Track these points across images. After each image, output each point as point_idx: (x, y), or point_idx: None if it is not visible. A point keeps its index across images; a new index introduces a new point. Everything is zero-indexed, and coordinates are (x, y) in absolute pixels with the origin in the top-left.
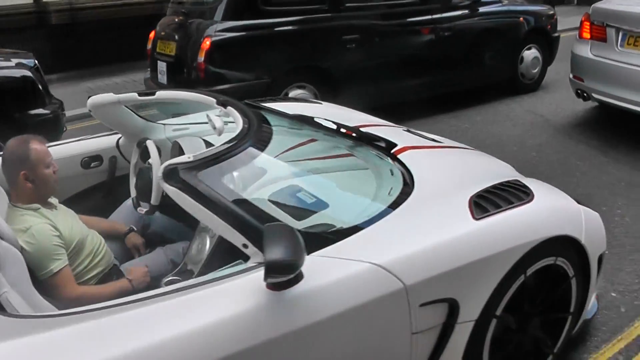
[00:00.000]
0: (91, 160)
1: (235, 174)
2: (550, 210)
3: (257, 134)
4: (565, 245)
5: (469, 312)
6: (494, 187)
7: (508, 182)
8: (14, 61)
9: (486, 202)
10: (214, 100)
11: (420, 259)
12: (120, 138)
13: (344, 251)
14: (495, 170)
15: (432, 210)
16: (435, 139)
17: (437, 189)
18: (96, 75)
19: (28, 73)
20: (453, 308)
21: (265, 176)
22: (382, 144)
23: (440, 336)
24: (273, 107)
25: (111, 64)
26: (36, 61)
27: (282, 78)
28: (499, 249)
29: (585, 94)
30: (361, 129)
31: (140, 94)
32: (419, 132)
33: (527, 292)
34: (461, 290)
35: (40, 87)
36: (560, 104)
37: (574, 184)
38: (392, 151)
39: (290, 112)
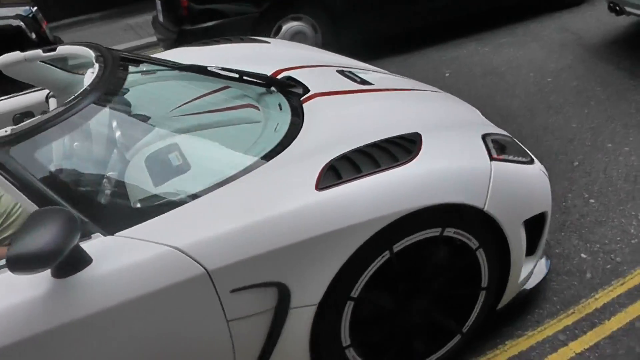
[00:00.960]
0: (23, 116)
1: (70, 142)
2: (424, 177)
3: (107, 93)
4: (457, 215)
5: (306, 297)
6: (373, 144)
7: (396, 137)
8: (6, 11)
9: (347, 166)
10: (94, 55)
11: (230, 241)
12: (49, 93)
13: (150, 230)
14: (428, 121)
15: (280, 177)
16: (383, 78)
17: (311, 148)
18: (136, 12)
19: (19, 23)
20: (283, 293)
21: (138, 136)
22: (295, 91)
23: (274, 322)
24: (166, 59)
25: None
26: (33, 9)
27: (273, 10)
28: (340, 226)
29: (617, 8)
30: (281, 75)
31: (44, 50)
32: (362, 70)
33: (404, 269)
34: (289, 274)
35: (33, 36)
36: (601, 18)
37: (583, 115)
38: (302, 99)
39: (230, 54)
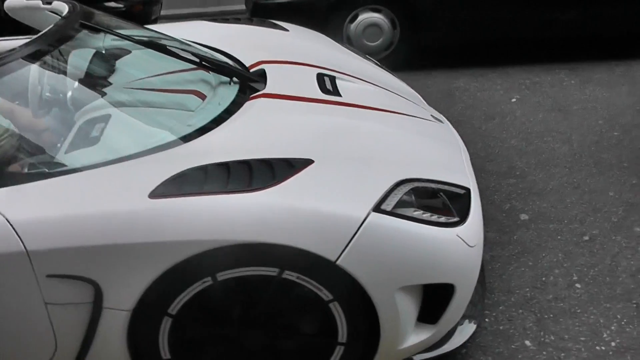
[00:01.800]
0: None
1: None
2: (267, 210)
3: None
4: (302, 260)
5: (118, 300)
6: (246, 161)
7: (281, 159)
8: None
9: (199, 178)
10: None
11: (59, 226)
12: None
13: (3, 195)
14: (354, 149)
15: (134, 174)
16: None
17: (203, 150)
18: None
19: None
20: (96, 290)
21: (81, 100)
22: (255, 86)
23: (91, 318)
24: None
25: None
26: None
27: None
28: (159, 239)
29: None
30: (259, 67)
31: (43, 2)
32: (352, 79)
33: (234, 301)
34: (102, 273)
35: None
36: None
37: (627, 186)
38: (252, 96)
39: (238, 35)
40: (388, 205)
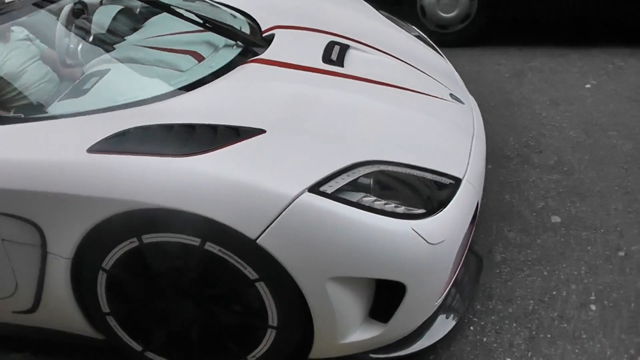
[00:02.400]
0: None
1: None
2: (191, 177)
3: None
4: (223, 234)
5: (59, 247)
6: (197, 125)
7: (232, 127)
8: None
9: (139, 137)
10: None
11: (6, 168)
12: None
13: None
14: (327, 124)
15: (92, 127)
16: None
17: (170, 111)
18: None
19: None
20: (40, 234)
21: (90, 54)
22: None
23: (41, 260)
24: None
25: None
26: None
27: None
28: (90, 193)
29: None
30: (272, 32)
31: None
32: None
33: (161, 265)
34: (43, 218)
35: None
36: None
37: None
38: (248, 60)
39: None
40: (330, 187)
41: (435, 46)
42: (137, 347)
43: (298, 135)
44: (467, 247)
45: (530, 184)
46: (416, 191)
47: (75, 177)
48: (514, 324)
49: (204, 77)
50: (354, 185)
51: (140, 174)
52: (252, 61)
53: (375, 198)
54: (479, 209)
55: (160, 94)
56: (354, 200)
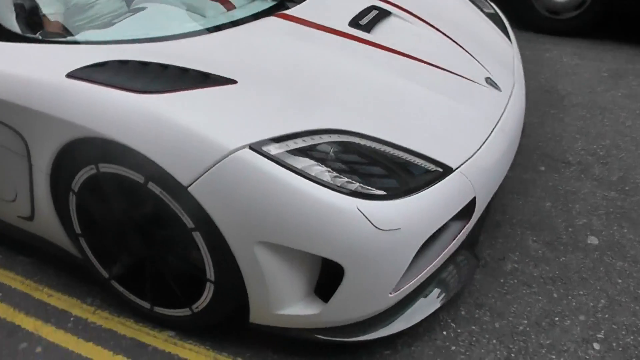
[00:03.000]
0: None
1: None
2: (145, 114)
3: None
4: (160, 174)
5: (39, 160)
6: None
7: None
8: None
9: (120, 71)
10: None
11: (7, 79)
12: None
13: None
14: (313, 85)
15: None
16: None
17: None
18: None
19: None
20: (25, 145)
21: None
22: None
23: (29, 171)
24: None
25: None
26: None
27: None
28: (58, 115)
29: None
30: None
31: None
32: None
33: (112, 196)
34: (25, 130)
35: None
36: None
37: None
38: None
39: None
40: (277, 149)
41: (507, 27)
42: (104, 274)
43: (272, 92)
44: (460, 245)
45: (580, 197)
46: (386, 172)
47: (49, 97)
48: (494, 341)
49: (219, 25)
50: (311, 152)
51: (101, 104)
52: (276, 15)
53: (327, 169)
54: (483, 209)
55: (168, 35)
56: (299, 166)
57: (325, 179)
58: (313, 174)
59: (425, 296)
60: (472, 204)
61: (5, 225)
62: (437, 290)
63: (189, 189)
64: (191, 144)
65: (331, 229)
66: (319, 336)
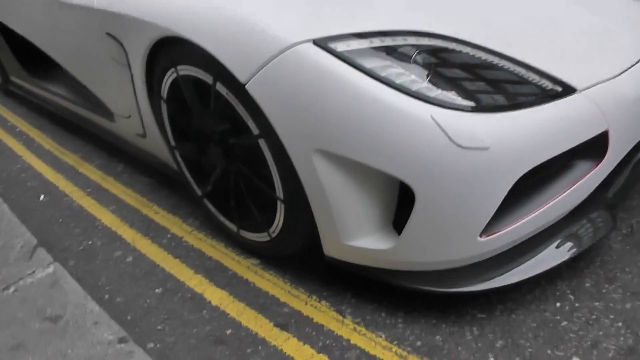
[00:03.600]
0: None
1: None
2: (203, 9)
3: None
4: (225, 73)
5: (135, 67)
6: None
7: None
8: None
9: None
10: None
11: None
12: None
13: None
14: None
15: None
16: None
17: None
18: None
19: None
20: (125, 52)
21: None
22: None
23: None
24: None
25: None
26: None
27: None
28: (140, 16)
29: None
30: None
31: None
32: None
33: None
34: (122, 36)
35: None
36: None
37: None
38: None
39: None
40: (348, 46)
41: None
42: (198, 191)
43: None
44: (594, 203)
45: None
46: (484, 84)
47: (136, 1)
48: (619, 324)
49: None
50: (387, 53)
51: (174, 2)
52: None
53: (403, 72)
54: (624, 154)
55: None
56: (368, 66)
57: (397, 81)
58: (383, 74)
59: (549, 247)
60: (603, 140)
61: (129, 145)
62: (567, 244)
63: (247, 86)
64: (251, 36)
65: (397, 140)
66: (402, 282)
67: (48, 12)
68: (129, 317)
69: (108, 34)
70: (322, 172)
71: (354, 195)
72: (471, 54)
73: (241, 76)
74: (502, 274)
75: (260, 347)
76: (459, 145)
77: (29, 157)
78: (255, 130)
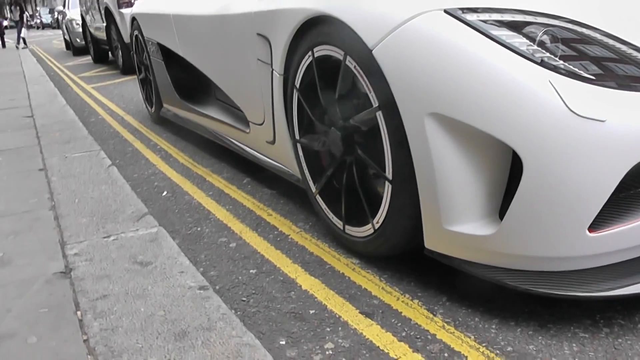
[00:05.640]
0: None
1: None
2: None
3: None
4: (355, 42)
5: (276, 60)
6: None
7: None
8: None
9: None
10: None
11: None
12: None
13: None
14: None
15: None
16: None
17: None
18: None
19: None
20: (269, 48)
21: None
22: None
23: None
24: None
25: None
26: None
27: None
28: (286, 6)
29: None
30: None
31: None
32: None
33: (323, 85)
34: (271, 33)
35: None
36: None
37: None
38: None
39: None
40: (475, 17)
41: None
42: (313, 188)
43: None
44: None
45: None
46: (610, 66)
47: None
48: None
49: None
50: (516, 27)
51: None
52: None
53: (529, 43)
54: None
55: None
56: (494, 33)
57: (520, 48)
58: (508, 41)
59: None
60: None
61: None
62: None
63: (374, 51)
64: (384, 3)
65: (511, 103)
66: (506, 280)
67: (208, 27)
68: (217, 287)
69: (258, 34)
70: (433, 138)
71: (461, 170)
72: (602, 40)
73: (369, 40)
74: (630, 285)
75: (340, 328)
76: (574, 113)
77: (162, 165)
78: (375, 102)
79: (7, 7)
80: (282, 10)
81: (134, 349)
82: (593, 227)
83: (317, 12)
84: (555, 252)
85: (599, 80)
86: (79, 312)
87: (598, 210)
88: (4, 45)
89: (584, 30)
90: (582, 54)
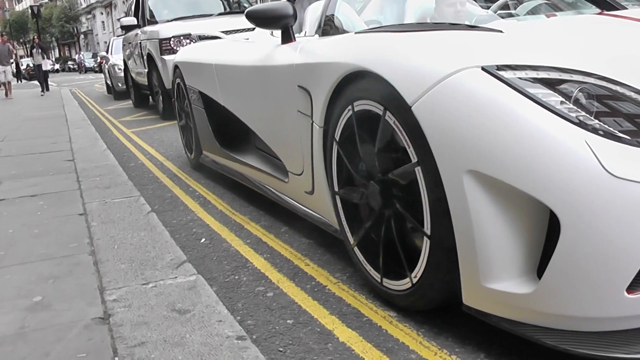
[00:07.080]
0: None
1: None
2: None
3: None
4: (395, 100)
5: (316, 113)
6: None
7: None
8: None
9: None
10: None
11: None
12: None
13: None
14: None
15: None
16: None
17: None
18: None
19: None
20: (311, 101)
21: None
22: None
23: (310, 130)
24: None
25: None
26: None
27: None
28: (327, 59)
29: None
30: None
31: None
32: None
33: (362, 138)
34: (312, 85)
35: None
36: None
37: None
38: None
39: None
40: (515, 74)
41: None
42: (351, 240)
43: (538, 38)
44: None
45: None
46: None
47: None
48: None
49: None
50: (551, 85)
51: (367, 41)
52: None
53: (563, 100)
54: None
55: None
56: (531, 91)
57: (556, 107)
58: (544, 99)
59: None
60: None
61: (296, 207)
62: None
63: (413, 108)
64: (423, 60)
65: (548, 163)
66: (544, 339)
67: (249, 77)
68: (254, 337)
69: (299, 86)
70: (471, 195)
71: (499, 227)
72: (632, 97)
73: (409, 97)
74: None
75: None
76: (610, 173)
77: (200, 212)
78: (414, 158)
79: (29, 50)
80: (322, 64)
81: None
82: (631, 288)
83: (357, 68)
84: (593, 313)
85: (634, 138)
86: (116, 359)
87: (636, 272)
88: (47, 89)
89: (616, 87)
90: (615, 111)
